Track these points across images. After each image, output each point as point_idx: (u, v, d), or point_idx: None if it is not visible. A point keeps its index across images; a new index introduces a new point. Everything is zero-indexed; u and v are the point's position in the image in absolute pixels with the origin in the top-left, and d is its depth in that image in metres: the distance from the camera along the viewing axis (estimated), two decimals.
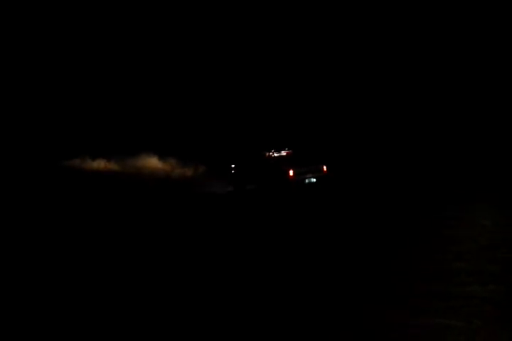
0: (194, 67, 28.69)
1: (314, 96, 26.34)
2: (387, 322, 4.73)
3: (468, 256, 6.74)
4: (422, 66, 24.57)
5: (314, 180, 15.60)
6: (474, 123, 20.82)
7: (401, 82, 24.63)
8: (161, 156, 25.18)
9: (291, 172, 15.22)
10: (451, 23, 23.67)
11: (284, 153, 16.49)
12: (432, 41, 24.28)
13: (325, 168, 15.83)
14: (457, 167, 17.61)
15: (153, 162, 25.11)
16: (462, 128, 20.91)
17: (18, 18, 28.77)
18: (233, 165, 17.37)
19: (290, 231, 9.90)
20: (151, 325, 5.05)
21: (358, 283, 5.97)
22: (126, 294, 6.15)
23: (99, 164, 25.29)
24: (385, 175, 18.17)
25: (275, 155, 16.37)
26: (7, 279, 7.01)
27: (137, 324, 5.13)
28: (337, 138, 23.20)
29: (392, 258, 7.03)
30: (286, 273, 6.65)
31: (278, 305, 5.39)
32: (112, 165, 25.28)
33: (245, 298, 5.71)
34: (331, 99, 25.90)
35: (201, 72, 28.57)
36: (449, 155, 19.39)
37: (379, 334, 4.51)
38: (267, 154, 16.40)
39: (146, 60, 29.64)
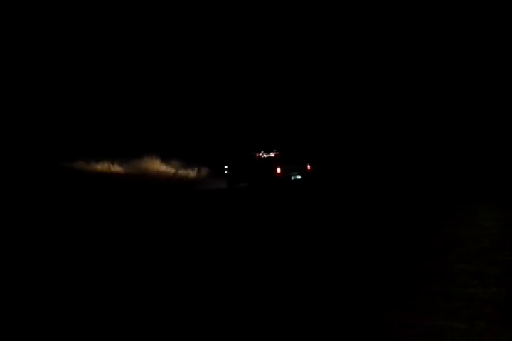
0: (196, 73, 29.04)
1: (300, 101, 27.38)
2: (387, 322, 4.74)
3: (470, 257, 6.77)
4: (411, 64, 24.66)
5: (299, 177, 17.57)
6: (474, 124, 20.83)
7: (393, 82, 24.75)
8: (164, 159, 25.44)
9: (278, 170, 17.00)
10: (451, 23, 23.67)
11: (272, 154, 18.34)
12: (432, 41, 24.29)
13: (309, 166, 17.88)
14: (457, 167, 17.65)
15: (156, 164, 25.34)
16: (462, 129, 20.92)
17: (19, 19, 28.89)
18: (226, 166, 19.09)
19: (288, 228, 9.88)
20: (150, 325, 5.09)
21: (358, 283, 5.99)
22: (126, 293, 6.18)
23: (103, 166, 25.49)
24: (381, 176, 18.32)
25: (265, 156, 18.21)
26: (7, 280, 7.07)
27: (137, 323, 5.16)
28: (324, 139, 24.33)
29: (393, 258, 7.05)
30: (286, 273, 6.65)
31: (277, 305, 5.39)
32: (116, 167, 25.48)
33: (244, 298, 5.71)
34: (317, 103, 26.63)
35: (203, 78, 28.93)
36: (448, 155, 19.42)
37: (379, 334, 4.52)
38: (257, 155, 18.20)
39: (150, 65, 29.88)
